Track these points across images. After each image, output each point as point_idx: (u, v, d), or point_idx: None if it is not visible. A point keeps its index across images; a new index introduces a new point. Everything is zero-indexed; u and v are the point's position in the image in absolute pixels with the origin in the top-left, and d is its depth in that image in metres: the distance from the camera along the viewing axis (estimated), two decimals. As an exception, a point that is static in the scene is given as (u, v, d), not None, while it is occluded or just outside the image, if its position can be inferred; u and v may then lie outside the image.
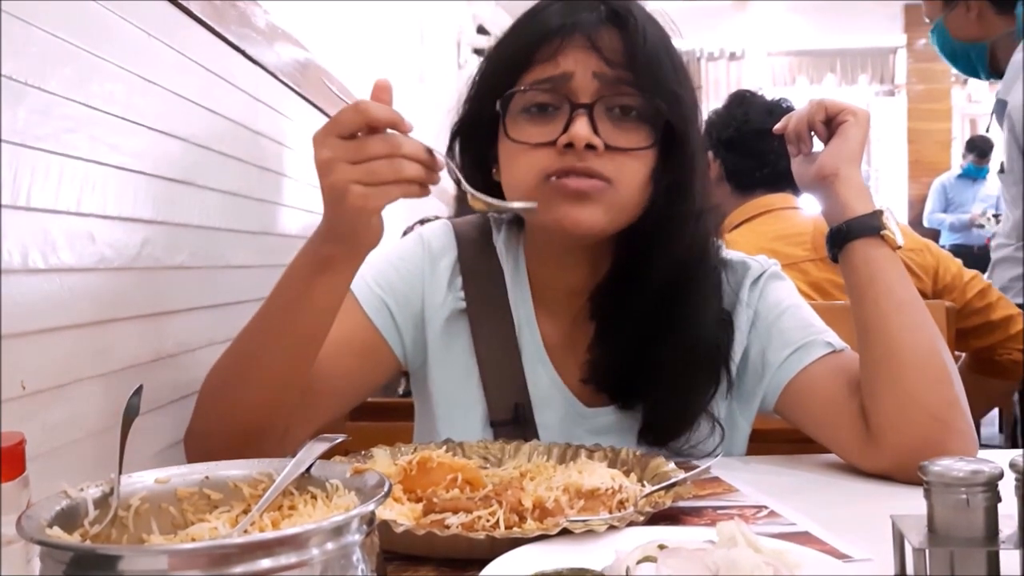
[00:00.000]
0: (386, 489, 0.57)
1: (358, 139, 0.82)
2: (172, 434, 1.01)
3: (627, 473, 0.88)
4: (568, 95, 0.96)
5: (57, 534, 0.52)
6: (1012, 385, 2.01)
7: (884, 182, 7.75)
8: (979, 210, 6.66)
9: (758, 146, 1.86)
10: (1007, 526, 0.60)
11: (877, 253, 0.99)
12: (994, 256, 2.21)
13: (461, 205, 1.20)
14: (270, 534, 0.53)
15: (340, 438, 0.67)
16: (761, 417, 1.10)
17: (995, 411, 4.71)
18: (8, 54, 0.72)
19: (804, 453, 1.07)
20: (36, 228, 0.77)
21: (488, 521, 0.74)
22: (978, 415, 2.41)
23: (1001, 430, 4.52)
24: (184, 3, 1.05)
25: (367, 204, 0.82)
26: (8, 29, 0.72)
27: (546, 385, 1.07)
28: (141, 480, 0.62)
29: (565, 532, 0.70)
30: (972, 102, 8.87)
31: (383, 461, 0.89)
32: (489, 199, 0.89)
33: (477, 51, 4.22)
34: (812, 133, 1.08)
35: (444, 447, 0.93)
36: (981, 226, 6.54)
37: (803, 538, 0.74)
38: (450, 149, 1.05)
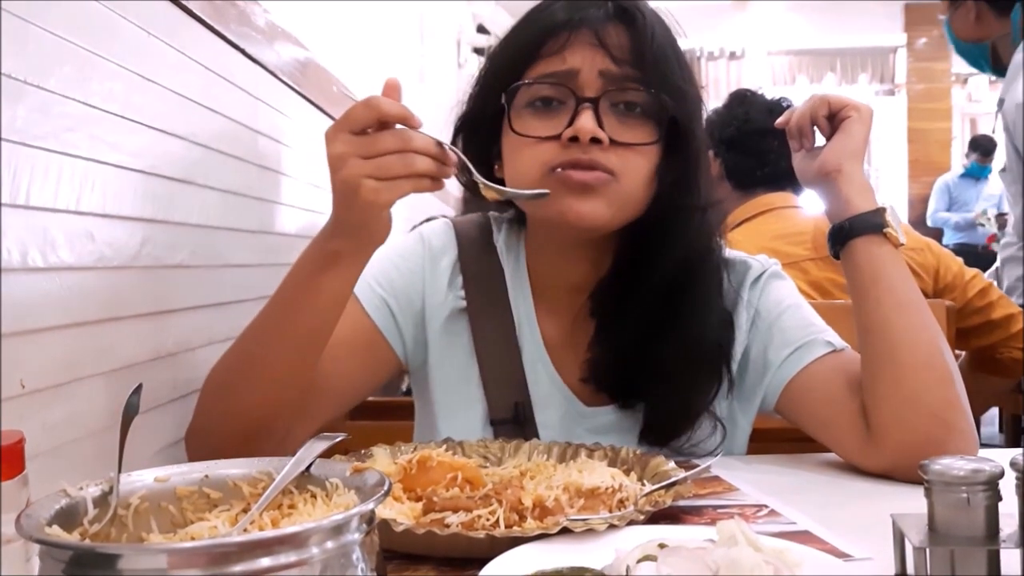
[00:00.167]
0: (386, 488, 0.57)
1: (369, 135, 0.82)
2: (172, 433, 1.01)
3: (627, 472, 0.88)
4: (574, 89, 0.96)
5: (56, 533, 0.52)
6: (1012, 383, 2.02)
7: (884, 181, 7.75)
8: (982, 209, 6.66)
9: (759, 145, 1.86)
10: (1008, 525, 0.60)
11: (879, 251, 0.99)
12: (1001, 255, 2.22)
13: (468, 206, 1.20)
14: (270, 533, 0.53)
15: (340, 437, 0.67)
16: (761, 416, 1.10)
17: (995, 410, 4.71)
18: (8, 52, 0.72)
19: (804, 452, 1.07)
20: (36, 227, 0.77)
21: (488, 520, 0.74)
22: (978, 413, 2.42)
23: (1001, 429, 4.52)
24: (184, 2, 1.04)
25: (379, 198, 0.82)
26: (8, 27, 0.72)
27: (546, 384, 1.07)
28: (140, 479, 0.62)
29: (565, 531, 0.70)
30: (972, 101, 8.86)
31: (383, 460, 0.89)
32: (499, 187, 0.90)
33: (477, 50, 4.22)
34: (814, 128, 1.08)
35: (444, 446, 0.92)
36: (981, 225, 6.54)
37: (803, 537, 0.74)
38: (453, 144, 1.05)
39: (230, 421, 0.92)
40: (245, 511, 0.61)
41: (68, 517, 0.55)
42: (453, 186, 0.97)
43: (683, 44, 1.02)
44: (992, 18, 2.15)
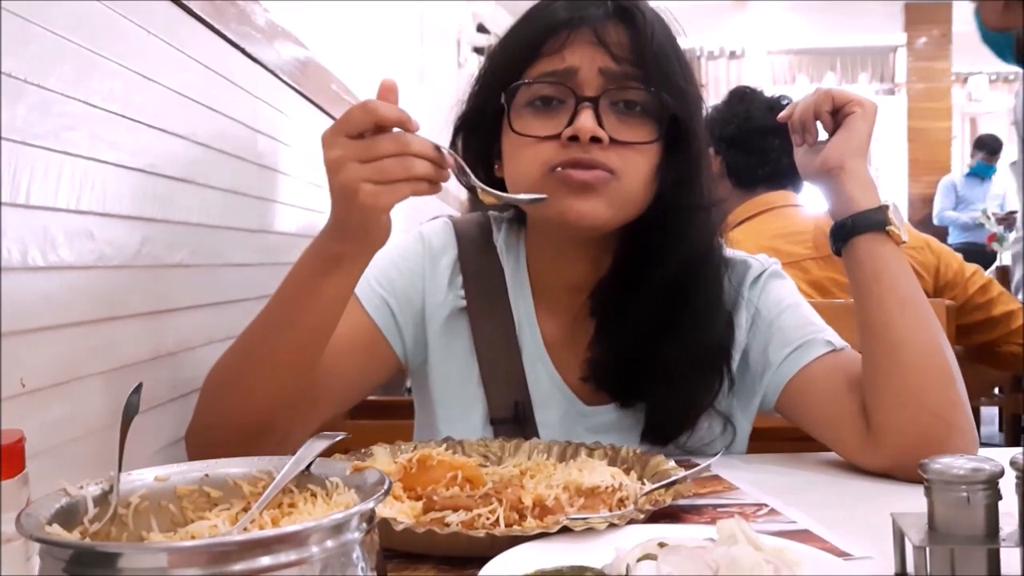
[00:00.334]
0: (386, 487, 0.57)
1: (367, 138, 0.82)
2: (172, 432, 1.01)
3: (627, 471, 0.88)
4: (573, 88, 0.96)
5: (56, 532, 0.52)
6: (1005, 374, 2.04)
7: (884, 181, 7.75)
8: (982, 208, 6.67)
9: (760, 143, 1.86)
10: (1007, 524, 0.60)
11: (882, 249, 0.99)
12: (1011, 251, 2.23)
13: (474, 207, 1.20)
14: (270, 532, 0.53)
15: (340, 436, 0.67)
16: (761, 416, 1.10)
17: (995, 410, 4.72)
18: (7, 51, 0.72)
19: (804, 451, 1.07)
20: (35, 226, 0.77)
21: (488, 519, 0.74)
22: (973, 399, 2.44)
23: (1001, 429, 4.52)
24: (184, 1, 1.04)
25: (378, 202, 0.82)
26: (7, 26, 0.72)
27: (546, 383, 1.07)
28: (141, 478, 0.62)
29: (565, 530, 0.70)
30: (972, 101, 8.88)
31: (383, 459, 0.89)
32: (498, 193, 0.90)
33: (477, 50, 4.22)
34: (818, 123, 1.07)
35: (444, 445, 0.92)
36: (981, 224, 6.55)
37: (803, 536, 0.74)
38: (452, 145, 1.05)
39: (230, 420, 0.92)
40: (245, 510, 0.61)
41: (68, 516, 0.55)
42: (455, 187, 0.97)
43: (683, 43, 1.02)
44: (1021, 7, 2.16)
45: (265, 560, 0.48)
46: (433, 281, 1.09)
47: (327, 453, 0.65)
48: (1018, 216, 2.20)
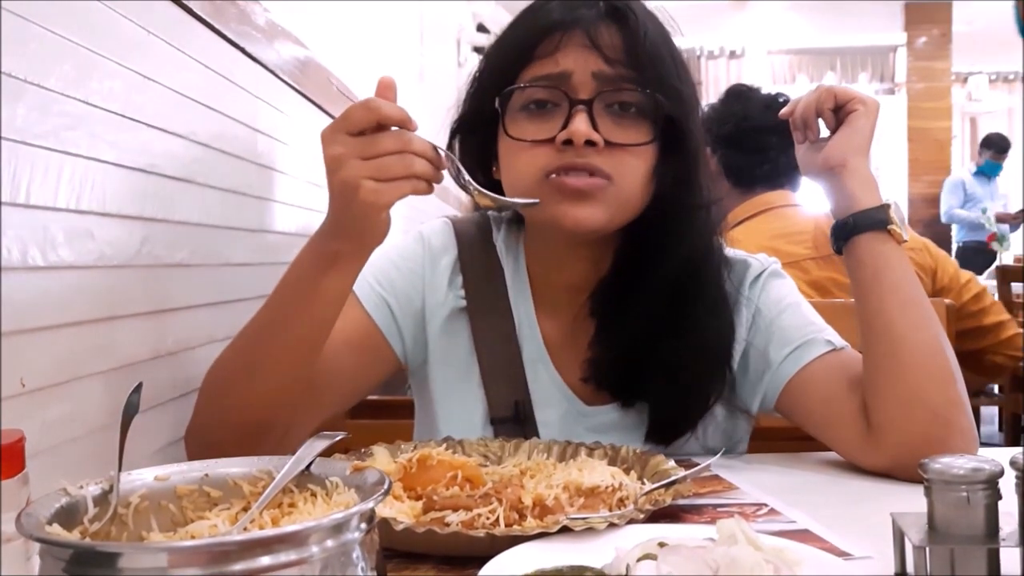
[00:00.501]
0: (386, 487, 0.57)
1: (368, 136, 0.82)
2: (172, 432, 1.01)
3: (627, 471, 0.88)
4: (567, 92, 0.95)
5: (56, 531, 0.52)
6: (988, 380, 2.09)
7: (884, 180, 7.75)
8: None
9: (757, 142, 1.86)
10: (1007, 524, 0.60)
11: (883, 248, 0.98)
12: None
13: (476, 207, 1.19)
14: (270, 531, 0.53)
15: (340, 436, 0.67)
16: (761, 415, 1.10)
17: (995, 410, 4.72)
18: (7, 51, 0.72)
19: (804, 451, 1.07)
20: (35, 225, 0.77)
21: (488, 519, 0.74)
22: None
23: (1001, 428, 4.52)
24: (184, 1, 1.04)
25: (379, 199, 0.82)
26: (7, 26, 0.72)
27: (546, 383, 1.07)
28: (141, 478, 0.62)
29: (565, 530, 0.70)
30: (972, 100, 8.88)
31: (383, 459, 0.89)
32: (493, 195, 0.90)
33: (477, 49, 4.22)
34: (819, 120, 1.07)
35: (444, 445, 0.93)
36: (981, 224, 6.55)
37: (803, 536, 0.74)
38: (450, 147, 1.05)
39: (229, 420, 0.92)
40: (245, 510, 0.61)
41: (68, 516, 0.55)
42: (456, 187, 0.97)
43: (683, 43, 1.02)
44: None
45: (265, 560, 0.48)
46: (433, 281, 1.09)
47: (327, 453, 0.65)
48: None
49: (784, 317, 1.05)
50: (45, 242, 0.78)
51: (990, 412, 4.90)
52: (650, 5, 1.01)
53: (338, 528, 0.52)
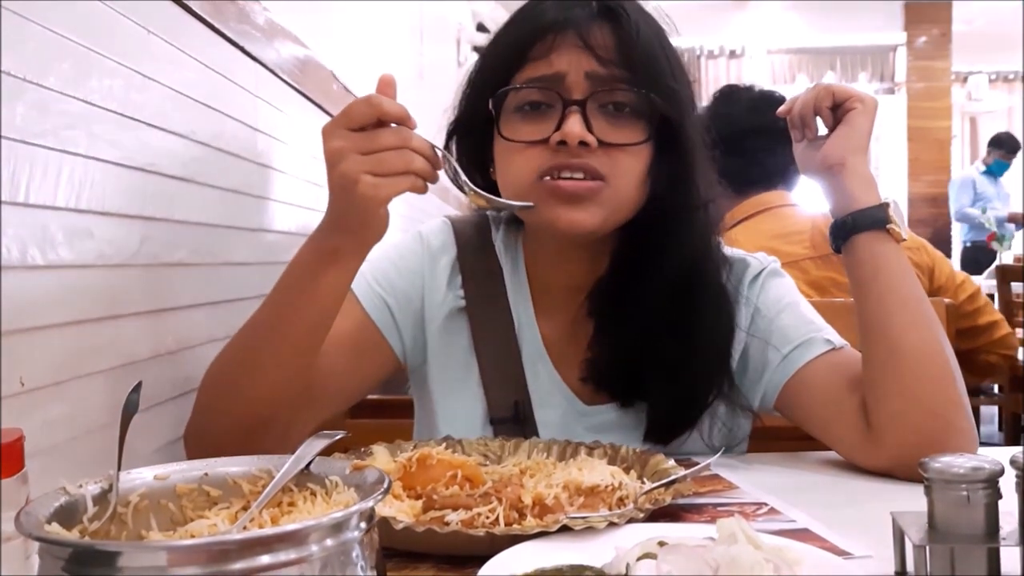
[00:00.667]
0: (386, 486, 0.57)
1: (368, 131, 0.83)
2: (171, 431, 1.01)
3: (627, 470, 0.88)
4: (561, 93, 0.95)
5: (56, 530, 0.52)
6: (981, 380, 2.15)
7: (884, 180, 7.75)
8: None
9: (743, 145, 1.85)
10: (1007, 523, 0.60)
11: (883, 248, 0.98)
12: None
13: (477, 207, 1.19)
14: (269, 530, 0.53)
15: (340, 435, 0.67)
16: (761, 415, 1.10)
17: (995, 409, 4.72)
18: (7, 50, 0.72)
19: (804, 451, 1.07)
20: (35, 224, 0.77)
21: (488, 518, 0.74)
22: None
23: (1000, 428, 4.53)
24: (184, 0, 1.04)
25: (377, 194, 0.82)
26: (7, 25, 0.72)
27: (546, 383, 1.07)
28: (140, 476, 0.62)
29: (565, 529, 0.70)
30: (972, 100, 8.88)
31: (383, 458, 0.89)
32: (488, 196, 0.90)
33: (477, 49, 4.22)
34: (817, 118, 1.06)
35: (444, 444, 0.93)
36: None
37: (803, 535, 0.74)
38: (446, 148, 1.05)
39: (228, 418, 0.92)
40: (245, 509, 0.61)
41: (68, 515, 0.55)
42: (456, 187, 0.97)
43: (682, 43, 1.02)
44: None
45: (265, 559, 0.48)
46: (432, 281, 1.09)
47: (327, 452, 0.65)
48: None
49: (783, 316, 1.05)
50: (44, 241, 0.78)
51: (990, 412, 4.90)
52: (647, 5, 1.01)
53: (338, 527, 0.52)
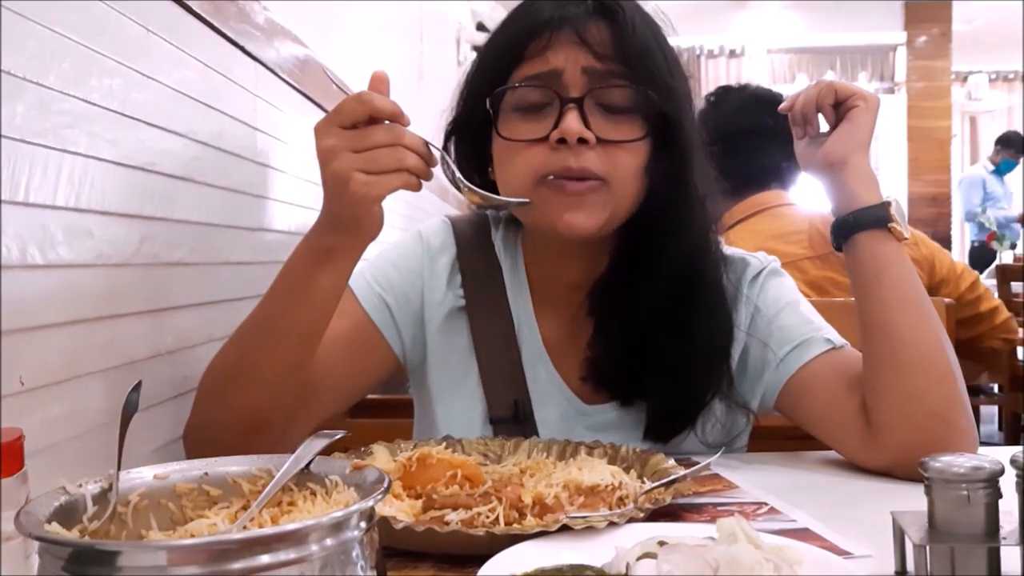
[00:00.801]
0: (385, 485, 0.57)
1: (361, 128, 0.82)
2: (171, 430, 1.00)
3: (627, 470, 0.88)
4: (558, 90, 0.95)
5: (56, 530, 0.52)
6: (986, 367, 2.20)
7: (884, 179, 7.74)
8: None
9: (731, 147, 1.85)
10: (1008, 522, 0.60)
11: (884, 247, 0.98)
12: None
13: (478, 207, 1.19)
14: (269, 530, 0.53)
15: (339, 434, 0.67)
16: (761, 414, 1.10)
17: (995, 409, 4.72)
18: (7, 49, 0.72)
19: (804, 450, 1.07)
20: (34, 224, 0.77)
21: (488, 517, 0.74)
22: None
23: (1000, 428, 4.53)
24: (183, -1, 1.04)
25: (370, 192, 0.82)
26: (7, 24, 0.72)
27: (545, 382, 1.07)
28: (140, 476, 0.62)
29: (565, 528, 0.70)
30: (972, 99, 8.88)
31: (383, 457, 0.89)
32: (484, 193, 0.90)
33: (476, 48, 4.21)
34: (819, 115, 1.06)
35: (444, 443, 0.93)
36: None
37: (803, 535, 0.74)
38: (445, 150, 1.05)
39: (227, 418, 0.92)
40: (245, 508, 0.61)
41: (67, 514, 0.55)
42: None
43: (682, 42, 1.03)
44: None
45: (264, 558, 0.48)
46: (432, 280, 1.09)
47: (327, 451, 0.65)
48: None
49: (783, 316, 1.05)
50: (44, 240, 0.78)
51: (990, 411, 4.90)
52: (645, 4, 1.01)
53: (338, 527, 0.51)
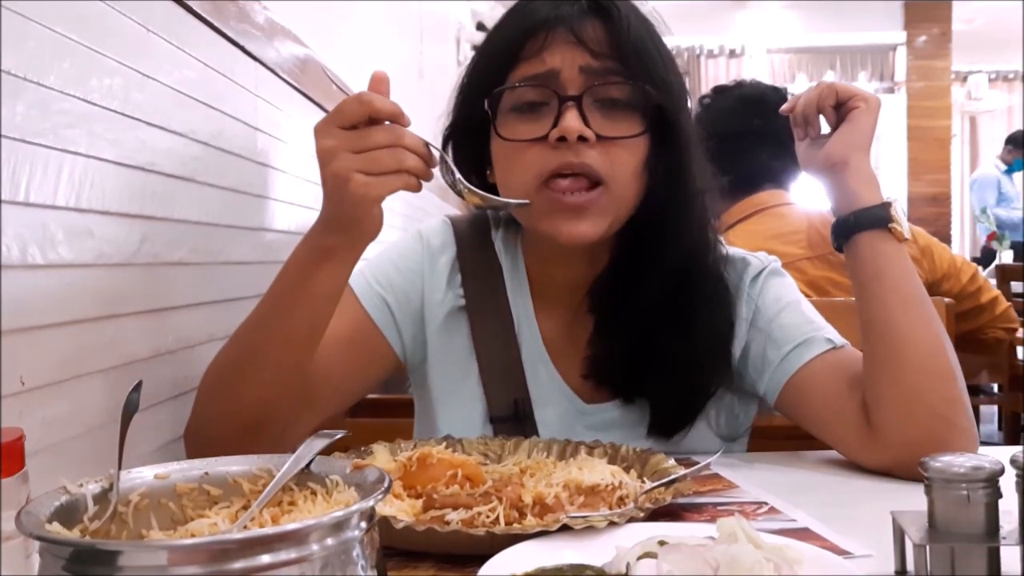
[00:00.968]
0: (386, 485, 0.57)
1: (360, 129, 0.82)
2: (171, 430, 1.01)
3: (627, 469, 0.88)
4: (556, 90, 0.95)
5: (56, 530, 0.52)
6: (990, 360, 2.21)
7: (884, 179, 7.74)
8: (982, 208, 6.62)
9: (721, 150, 1.85)
10: (1007, 522, 0.60)
11: (885, 247, 0.98)
12: None
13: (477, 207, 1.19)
14: (270, 530, 0.53)
15: (340, 434, 0.67)
16: (761, 414, 1.10)
17: (995, 408, 4.72)
18: (7, 49, 0.72)
19: (804, 450, 1.07)
20: (35, 223, 0.77)
21: (488, 517, 0.74)
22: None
23: (1000, 427, 4.53)
24: (183, -2, 1.04)
25: (369, 192, 0.82)
26: (7, 24, 0.72)
27: (545, 381, 1.07)
28: (140, 476, 0.62)
29: (565, 528, 0.70)
30: (972, 99, 8.87)
31: (383, 457, 0.89)
32: (483, 194, 0.90)
33: (476, 48, 4.21)
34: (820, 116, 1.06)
35: (444, 443, 0.93)
36: (981, 223, 6.51)
37: (803, 534, 0.74)
38: (443, 152, 1.05)
39: (227, 418, 0.92)
40: (245, 508, 0.61)
41: (68, 514, 0.55)
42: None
43: (682, 42, 1.04)
44: None
45: (265, 558, 0.48)
46: (432, 280, 1.09)
47: (327, 451, 0.65)
48: None
49: (784, 315, 1.05)
50: (44, 240, 0.78)
51: (990, 411, 4.90)
52: (642, 5, 1.01)
53: (338, 526, 0.52)
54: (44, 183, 0.78)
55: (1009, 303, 2.11)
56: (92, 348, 0.86)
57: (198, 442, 0.96)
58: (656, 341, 1.01)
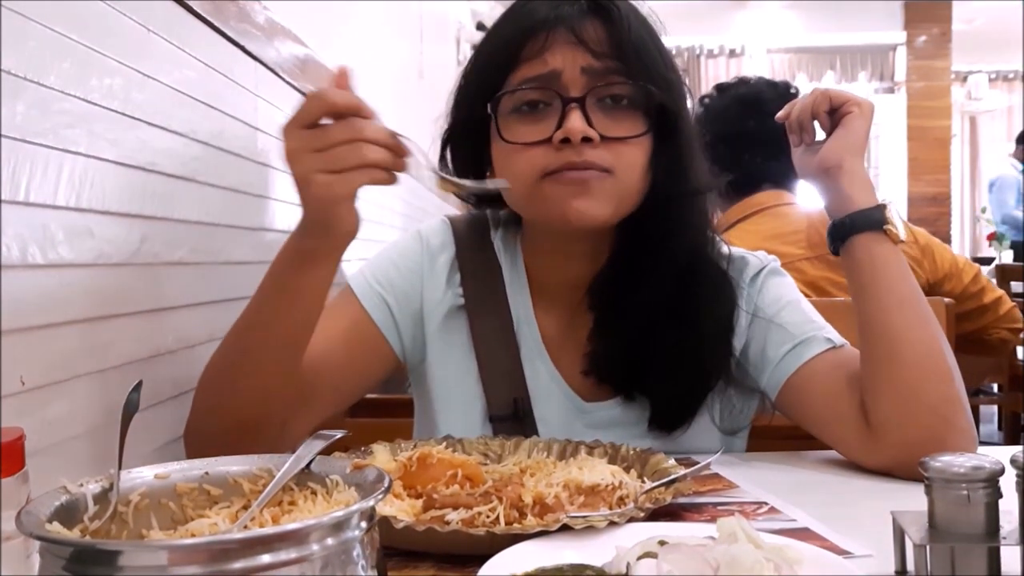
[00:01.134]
0: (386, 485, 0.57)
1: (320, 128, 0.80)
2: (171, 430, 1.01)
3: (627, 469, 0.88)
4: (558, 91, 0.95)
5: (56, 530, 0.52)
6: (996, 361, 2.17)
7: (884, 179, 7.74)
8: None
9: (722, 151, 1.85)
10: (1007, 522, 0.60)
11: (880, 248, 0.98)
12: None
13: (477, 206, 1.18)
14: (270, 529, 0.53)
15: (340, 434, 0.67)
16: (761, 414, 1.10)
17: (994, 408, 4.73)
18: (7, 48, 0.72)
19: (804, 450, 1.07)
20: (35, 223, 0.77)
21: (488, 517, 0.74)
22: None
23: (1000, 427, 4.53)
24: (183, -2, 1.04)
25: (331, 192, 0.80)
26: (7, 23, 0.72)
27: (545, 380, 1.07)
28: (140, 476, 0.62)
29: (565, 528, 0.70)
30: (972, 99, 8.87)
31: (383, 457, 0.89)
32: (458, 180, 0.89)
33: (474, 48, 4.21)
34: (815, 123, 1.07)
35: (444, 443, 0.93)
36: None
37: (803, 534, 0.74)
38: (442, 156, 1.05)
39: (223, 418, 0.92)
40: (245, 508, 0.61)
41: (68, 514, 0.55)
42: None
43: (683, 41, 1.04)
44: None
45: (265, 558, 0.48)
46: (431, 279, 1.09)
47: (327, 451, 0.65)
48: None
49: (783, 315, 1.05)
50: (45, 240, 0.78)
51: (990, 411, 4.90)
52: (640, 5, 1.01)
53: (338, 526, 0.52)
54: (44, 183, 0.78)
55: (1014, 304, 2.09)
56: (92, 348, 0.86)
57: (197, 441, 0.96)
58: (656, 338, 1.01)
